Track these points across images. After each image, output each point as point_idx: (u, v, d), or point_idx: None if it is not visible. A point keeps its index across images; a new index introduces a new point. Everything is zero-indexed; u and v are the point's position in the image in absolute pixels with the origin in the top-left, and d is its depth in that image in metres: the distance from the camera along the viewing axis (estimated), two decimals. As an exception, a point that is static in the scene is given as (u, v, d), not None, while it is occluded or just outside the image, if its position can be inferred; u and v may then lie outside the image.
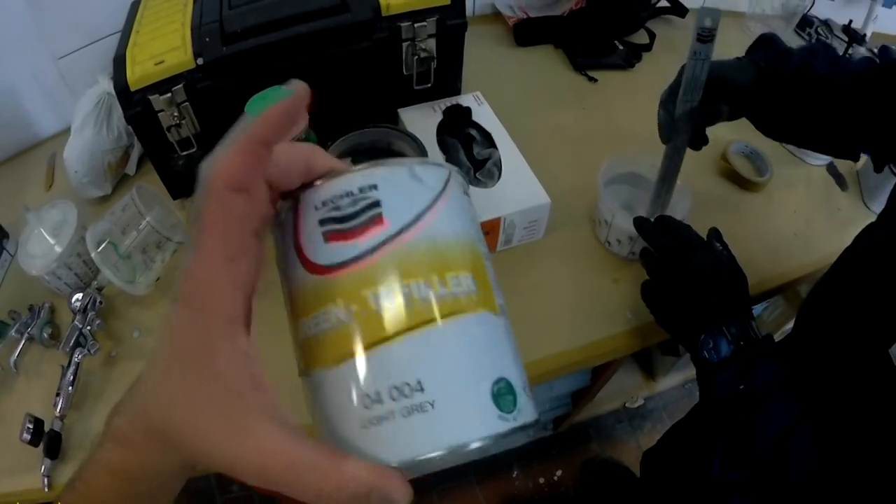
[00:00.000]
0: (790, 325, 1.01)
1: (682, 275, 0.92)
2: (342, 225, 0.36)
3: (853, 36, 1.65)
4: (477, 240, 0.40)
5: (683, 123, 0.94)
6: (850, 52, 1.61)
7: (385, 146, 0.99)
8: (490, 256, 0.41)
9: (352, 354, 0.35)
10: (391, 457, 0.33)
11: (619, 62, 1.54)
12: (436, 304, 0.35)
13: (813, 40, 1.71)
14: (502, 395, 0.36)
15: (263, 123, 0.34)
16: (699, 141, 1.00)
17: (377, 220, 0.36)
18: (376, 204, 0.36)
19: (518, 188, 1.06)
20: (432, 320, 0.35)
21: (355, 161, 0.93)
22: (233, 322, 0.34)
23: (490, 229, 1.03)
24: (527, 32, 1.59)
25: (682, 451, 1.15)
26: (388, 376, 0.34)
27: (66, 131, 1.18)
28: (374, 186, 0.37)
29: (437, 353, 0.35)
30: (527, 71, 1.53)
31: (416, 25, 1.06)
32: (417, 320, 0.35)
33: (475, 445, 0.34)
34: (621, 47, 1.57)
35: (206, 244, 0.34)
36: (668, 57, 1.58)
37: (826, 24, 1.79)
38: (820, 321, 0.87)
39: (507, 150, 1.12)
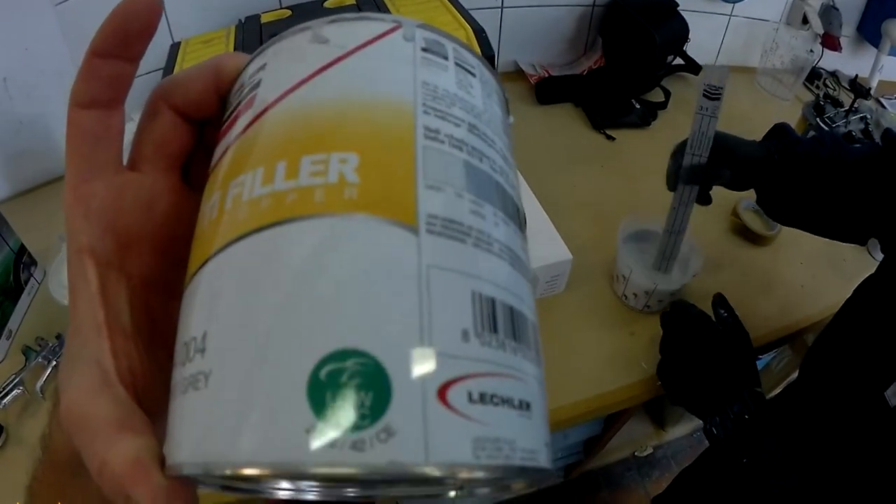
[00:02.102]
0: (796, 373, 1.07)
1: (686, 358, 0.99)
2: (223, 127, 0.30)
3: (858, 90, 1.72)
4: (417, 113, 0.26)
5: (687, 175, 0.99)
6: (856, 105, 1.67)
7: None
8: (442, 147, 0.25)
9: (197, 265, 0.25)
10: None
11: (635, 120, 1.61)
12: (262, 205, 0.24)
13: (822, 93, 1.77)
14: (338, 385, 0.20)
15: (99, 34, 0.30)
16: (703, 198, 1.05)
17: (246, 107, 0.28)
18: (255, 86, 0.28)
19: (541, 243, 1.11)
20: (245, 234, 0.23)
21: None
22: (79, 252, 0.30)
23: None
24: (548, 90, 1.65)
25: (689, 496, 1.20)
26: (184, 325, 0.25)
27: None
28: (263, 66, 0.29)
29: (237, 288, 0.23)
30: (548, 128, 1.59)
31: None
32: (231, 234, 0.24)
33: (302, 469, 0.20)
34: (638, 106, 1.64)
35: (66, 170, 0.31)
36: (682, 114, 1.65)
37: (834, 75, 1.88)
38: (821, 371, 0.91)
39: (531, 205, 1.17)
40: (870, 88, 1.79)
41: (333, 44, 0.27)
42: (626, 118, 1.61)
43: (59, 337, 1.06)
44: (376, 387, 0.20)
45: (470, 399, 0.21)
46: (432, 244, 0.22)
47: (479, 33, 1.16)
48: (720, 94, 0.88)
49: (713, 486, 0.92)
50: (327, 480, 0.21)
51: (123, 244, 0.31)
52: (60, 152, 1.06)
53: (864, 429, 0.75)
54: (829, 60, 1.86)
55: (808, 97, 1.78)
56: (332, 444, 0.19)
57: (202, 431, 0.21)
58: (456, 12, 1.21)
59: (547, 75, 1.69)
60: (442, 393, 0.20)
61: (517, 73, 1.75)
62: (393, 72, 0.26)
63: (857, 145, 1.28)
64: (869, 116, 1.67)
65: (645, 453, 2.28)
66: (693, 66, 1.79)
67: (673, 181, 1.03)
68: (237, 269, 0.23)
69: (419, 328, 0.21)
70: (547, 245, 1.12)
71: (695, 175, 0.99)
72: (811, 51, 1.77)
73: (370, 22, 0.28)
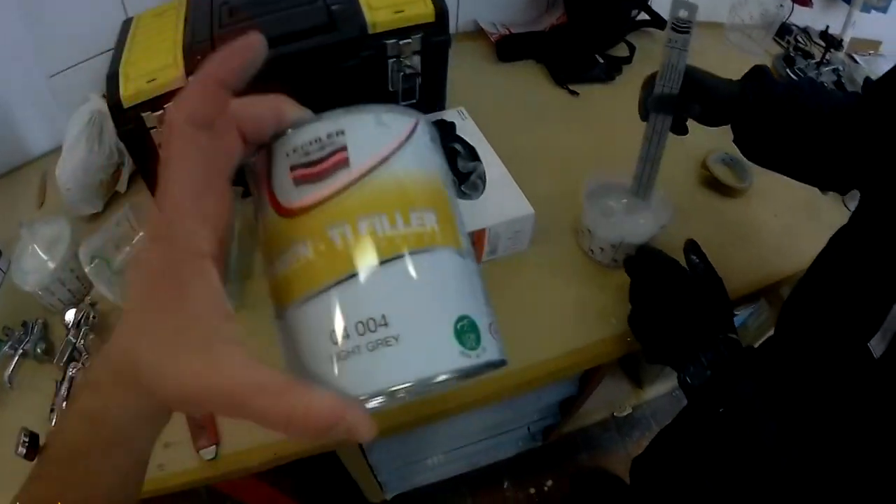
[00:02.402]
0: (773, 330, 1.05)
1: (656, 305, 0.98)
2: (310, 169, 0.39)
3: (830, 41, 1.71)
4: (443, 183, 0.43)
5: (655, 104, 1.00)
6: (827, 57, 1.67)
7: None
8: (457, 201, 0.44)
9: (318, 290, 0.37)
10: (359, 390, 0.36)
11: (599, 75, 1.59)
12: (397, 240, 0.38)
13: (791, 48, 1.77)
14: (465, 332, 0.38)
15: (219, 62, 0.36)
16: (678, 128, 1.06)
17: (342, 162, 0.39)
18: (343, 148, 0.39)
19: (502, 199, 1.10)
20: (394, 256, 0.37)
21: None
22: (202, 257, 0.36)
23: (475, 240, 1.07)
24: (509, 48, 1.64)
25: (670, 456, 1.18)
26: (353, 311, 0.36)
27: (57, 149, 1.21)
28: (342, 132, 0.40)
29: (399, 288, 0.37)
30: (509, 86, 1.58)
31: (401, 43, 1.11)
32: (379, 256, 0.37)
33: (438, 379, 0.37)
34: (602, 61, 1.62)
35: (173, 180, 0.36)
36: (647, 68, 1.58)
37: (805, 31, 1.86)
38: (799, 323, 0.90)
39: (491, 162, 1.16)
40: (841, 40, 1.77)
41: (393, 129, 0.41)
42: (590, 73, 1.60)
43: (24, 325, 1.05)
44: (475, 331, 0.39)
45: (492, 333, 0.40)
46: (469, 261, 0.42)
47: (432, -12, 1.15)
48: (689, 27, 0.89)
49: (693, 443, 0.91)
50: (459, 375, 0.37)
51: (222, 244, 0.39)
52: (19, 141, 1.04)
53: (847, 380, 0.74)
54: (801, 17, 1.85)
55: (779, 52, 1.78)
56: (467, 356, 0.37)
57: (405, 365, 0.36)
58: None
59: (508, 33, 1.68)
60: (490, 330, 0.40)
61: (477, 33, 1.73)
62: (429, 155, 0.43)
63: (839, 92, 1.25)
64: (841, 69, 1.67)
65: (624, 413, 2.29)
66: (659, 21, 1.77)
67: (644, 110, 1.04)
68: (400, 276, 0.38)
69: (481, 300, 0.41)
70: (508, 201, 1.11)
71: (664, 104, 1.00)
72: (781, 5, 1.76)
73: (405, 116, 0.42)
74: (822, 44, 1.74)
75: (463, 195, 1.12)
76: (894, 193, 0.76)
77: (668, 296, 0.97)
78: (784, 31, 1.85)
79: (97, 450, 0.38)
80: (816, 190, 1.39)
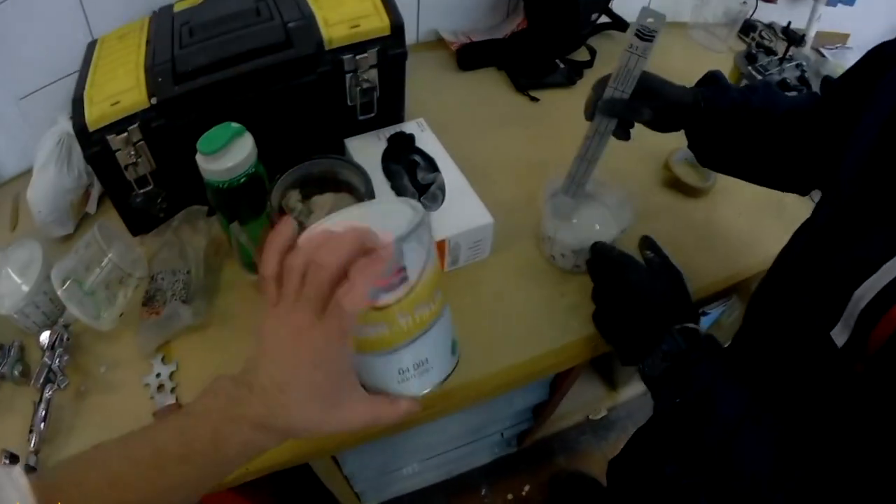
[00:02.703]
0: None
1: (613, 301, 1.00)
2: (386, 280, 0.62)
3: (792, 37, 1.71)
4: (435, 259, 0.69)
5: (605, 107, 1.00)
6: (790, 53, 1.68)
7: (332, 176, 1.05)
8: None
9: (390, 350, 0.66)
10: (416, 392, 0.70)
11: (560, 80, 1.61)
12: (430, 315, 0.67)
13: (754, 45, 1.77)
14: (454, 346, 0.75)
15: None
16: (622, 133, 1.06)
17: (404, 278, 0.62)
18: (403, 268, 0.62)
19: (461, 210, 1.12)
20: (431, 325, 0.67)
21: (304, 188, 1.01)
22: (347, 335, 0.58)
23: (437, 251, 1.08)
24: (469, 56, 1.65)
25: (645, 456, 1.19)
26: (411, 358, 0.68)
27: (28, 171, 1.22)
28: (404, 254, 0.62)
29: (433, 342, 0.68)
30: (470, 94, 1.59)
31: (357, 57, 1.12)
32: (424, 329, 0.67)
33: (447, 376, 0.72)
34: (562, 66, 1.63)
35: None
36: (608, 71, 1.64)
37: (770, 27, 1.87)
38: (764, 317, 0.91)
39: (450, 173, 1.18)
40: (803, 35, 1.77)
41: (424, 243, 0.65)
42: (551, 78, 1.61)
43: (1, 347, 1.07)
44: (455, 343, 0.75)
45: (457, 338, 0.77)
46: (446, 304, 0.73)
47: (389, 2, 1.17)
48: (653, 36, 0.89)
49: (666, 442, 0.92)
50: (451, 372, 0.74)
51: None
52: None
53: (812, 370, 0.75)
54: (766, 12, 1.87)
55: (743, 49, 1.78)
56: (454, 359, 0.75)
57: (433, 378, 0.71)
58: None
59: (469, 42, 1.69)
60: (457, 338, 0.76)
61: (438, 42, 1.74)
62: (434, 248, 0.70)
63: (794, 93, 1.27)
64: (805, 64, 1.68)
65: (599, 416, 2.32)
66: (620, 24, 1.80)
67: (591, 111, 1.04)
68: (433, 335, 0.68)
69: (453, 325, 0.75)
70: (468, 211, 1.12)
71: (613, 108, 1.00)
72: (744, 2, 1.78)
73: (427, 233, 0.66)
74: (785, 39, 1.74)
75: (423, 207, 1.14)
76: (851, 188, 0.77)
77: (623, 291, 0.98)
78: (748, 27, 1.86)
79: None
80: None
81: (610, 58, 1.68)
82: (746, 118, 1.03)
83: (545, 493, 2.21)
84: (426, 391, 0.70)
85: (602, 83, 1.03)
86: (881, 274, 0.64)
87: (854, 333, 0.66)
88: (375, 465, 1.67)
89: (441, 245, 1.09)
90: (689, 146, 1.12)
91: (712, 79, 1.11)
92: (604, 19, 1.78)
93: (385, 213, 0.72)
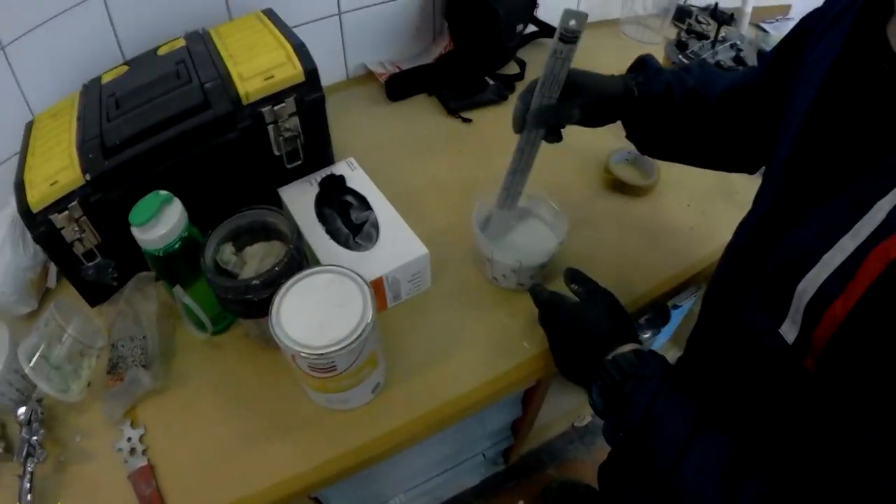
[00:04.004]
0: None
1: (552, 344, 1.03)
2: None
3: (720, 18, 1.74)
4: (367, 354, 0.96)
5: (534, 118, 0.99)
6: (722, 34, 1.71)
7: (261, 226, 1.10)
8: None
9: (325, 392, 1.00)
10: (336, 408, 1.06)
11: (491, 97, 1.67)
12: (351, 384, 0.98)
13: (685, 32, 1.81)
14: (376, 388, 1.06)
15: None
16: (553, 135, 1.04)
17: (333, 369, 0.91)
18: (334, 367, 0.91)
19: (395, 245, 1.16)
20: (351, 387, 0.99)
21: (237, 241, 1.07)
22: None
23: (375, 289, 1.12)
24: (397, 86, 1.70)
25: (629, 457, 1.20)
26: (336, 397, 1.02)
27: None
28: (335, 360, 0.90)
29: (353, 392, 1.01)
30: (401, 124, 1.63)
31: (276, 108, 1.17)
32: (346, 389, 0.99)
33: (360, 405, 1.06)
34: (492, 82, 1.69)
35: None
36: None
37: (706, 10, 1.88)
38: (717, 313, 0.92)
39: (382, 209, 1.22)
40: (731, 14, 1.77)
41: (356, 352, 0.92)
42: (481, 97, 1.66)
43: None
44: (376, 387, 1.08)
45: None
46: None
47: (299, 48, 1.21)
48: (577, 37, 0.88)
49: (624, 468, 0.94)
50: None
51: None
52: None
53: (766, 367, 0.76)
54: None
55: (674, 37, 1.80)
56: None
57: (352, 405, 1.07)
58: (277, 32, 1.27)
59: (398, 71, 1.73)
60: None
61: (368, 76, 1.78)
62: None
63: (731, 73, 1.26)
64: (740, 43, 1.71)
65: (584, 423, 2.36)
66: (548, 31, 1.86)
67: (520, 123, 1.03)
68: (358, 389, 1.03)
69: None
70: (402, 245, 1.17)
71: (543, 116, 0.99)
72: None
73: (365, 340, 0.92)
74: (714, 21, 1.76)
75: (358, 247, 1.19)
76: (787, 172, 0.77)
77: (556, 333, 1.02)
78: (683, 14, 1.89)
79: None
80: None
81: (540, 66, 1.72)
82: (683, 101, 1.03)
83: (540, 504, 2.24)
84: (343, 408, 1.06)
85: (528, 92, 1.01)
86: (821, 266, 0.64)
87: (802, 329, 0.67)
88: (360, 499, 1.70)
89: (378, 283, 1.13)
90: (627, 136, 1.12)
91: (642, 63, 1.11)
92: (531, 29, 1.83)
93: (338, 304, 0.94)
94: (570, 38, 0.87)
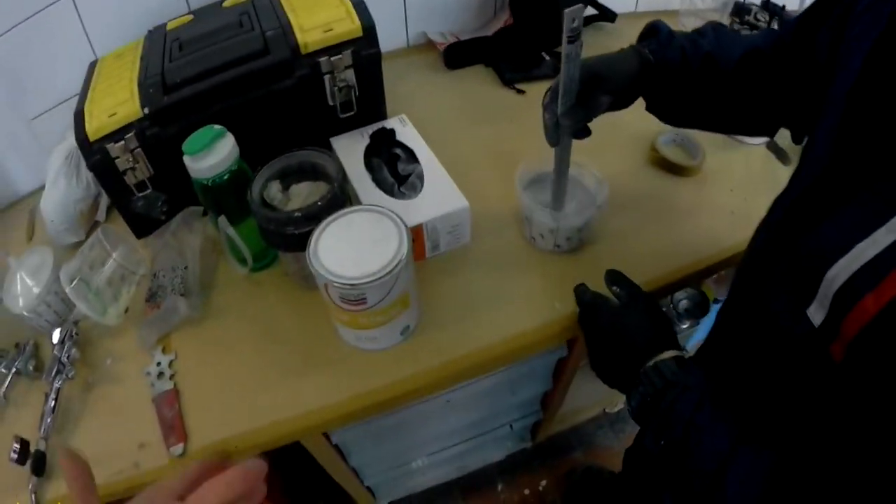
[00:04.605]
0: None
1: (591, 347, 1.02)
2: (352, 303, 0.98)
3: (773, 10, 1.76)
4: (399, 292, 1.00)
5: (567, 121, 0.99)
6: (772, 26, 1.71)
7: (310, 167, 1.16)
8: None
9: (356, 328, 1.06)
10: (366, 349, 1.12)
11: (547, 72, 1.71)
12: (383, 321, 1.04)
13: (737, 26, 1.81)
14: (405, 330, 1.11)
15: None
16: (583, 132, 1.04)
17: (364, 302, 0.97)
18: (364, 299, 0.96)
19: (438, 196, 1.21)
20: (382, 325, 1.05)
21: (284, 180, 1.14)
22: None
23: (415, 236, 1.17)
24: (456, 55, 1.76)
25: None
26: (365, 334, 1.07)
27: (42, 187, 1.36)
28: (365, 293, 0.95)
29: (383, 330, 1.07)
30: (457, 92, 1.70)
31: (332, 59, 1.24)
32: (377, 326, 1.05)
33: (391, 346, 1.11)
34: (548, 58, 1.74)
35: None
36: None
37: (765, 6, 1.85)
38: (746, 292, 0.91)
39: (429, 163, 1.28)
40: (783, 6, 1.77)
41: (387, 287, 0.98)
42: (537, 71, 1.71)
43: (17, 346, 1.20)
44: (405, 330, 1.13)
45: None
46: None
47: (359, 5, 1.29)
48: (579, 34, 0.89)
49: (660, 473, 0.91)
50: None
51: None
52: (7, 183, 1.20)
53: (792, 353, 0.75)
54: None
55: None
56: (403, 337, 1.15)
57: (381, 346, 1.13)
58: None
59: (456, 41, 1.79)
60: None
61: (427, 45, 1.85)
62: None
63: (749, 34, 1.19)
64: None
65: (616, 409, 2.38)
66: (607, 15, 1.89)
67: (554, 135, 1.04)
68: (389, 327, 1.09)
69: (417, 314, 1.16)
70: (444, 197, 1.22)
71: (575, 120, 0.99)
72: None
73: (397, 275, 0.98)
74: (766, 12, 1.77)
75: (402, 196, 1.25)
76: (824, 159, 0.75)
77: (596, 336, 1.02)
78: (742, 10, 1.86)
79: None
80: (773, 158, 1.45)
81: (596, 48, 1.73)
82: (700, 66, 1.02)
83: (562, 487, 2.27)
84: (371, 348, 1.11)
85: (553, 101, 1.01)
86: (853, 256, 0.63)
87: (830, 314, 0.65)
88: (383, 458, 1.74)
89: (418, 231, 1.18)
90: (647, 107, 1.11)
91: (653, 30, 1.10)
92: (591, 12, 1.87)
93: (375, 241, 0.98)
94: (575, 37, 0.89)
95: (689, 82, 1.03)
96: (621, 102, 1.07)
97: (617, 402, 2.33)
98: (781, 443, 0.74)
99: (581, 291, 1.09)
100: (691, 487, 0.78)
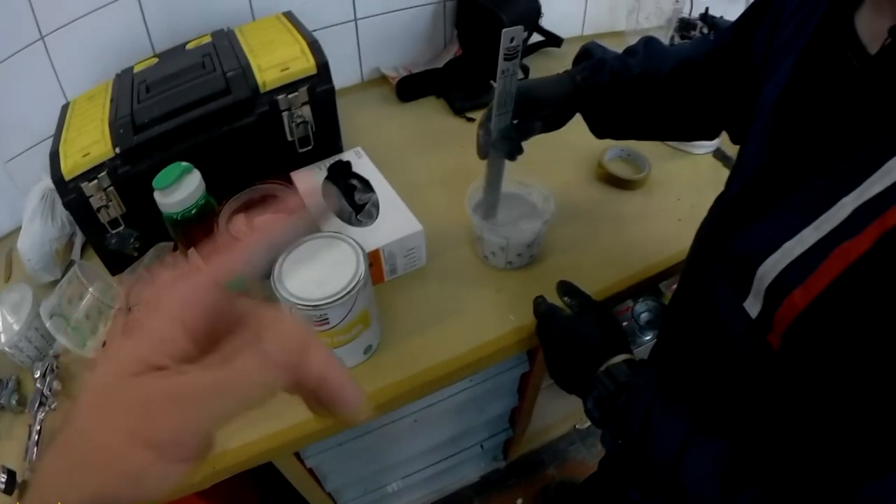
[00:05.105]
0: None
1: (547, 355, 1.07)
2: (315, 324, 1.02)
3: (711, 22, 1.84)
4: (359, 310, 1.05)
5: (500, 141, 1.07)
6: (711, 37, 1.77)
7: (273, 199, 1.25)
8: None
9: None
10: None
11: (494, 99, 1.79)
12: (346, 340, 1.08)
13: (679, 38, 1.89)
14: (368, 349, 1.16)
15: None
16: (515, 152, 1.12)
17: (326, 322, 1.02)
18: (326, 320, 1.01)
19: (393, 222, 1.29)
20: (345, 344, 1.09)
21: (249, 212, 1.21)
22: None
23: (373, 261, 1.24)
24: (408, 87, 1.85)
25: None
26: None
27: (19, 228, 1.42)
28: (327, 313, 1.01)
29: (347, 349, 1.11)
30: (410, 122, 1.79)
31: (289, 96, 1.33)
32: (340, 345, 1.08)
33: (352, 366, 1.16)
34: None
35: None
36: None
37: (703, 19, 1.91)
38: (689, 288, 0.96)
39: (384, 191, 1.36)
40: (721, 17, 1.84)
41: (348, 306, 1.04)
42: (486, 98, 1.79)
43: (0, 382, 1.24)
44: (367, 349, 1.18)
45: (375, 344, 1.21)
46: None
47: (313, 44, 1.38)
48: (518, 52, 0.96)
49: (625, 471, 0.94)
50: None
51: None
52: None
53: (733, 346, 0.78)
54: (720, 6, 1.90)
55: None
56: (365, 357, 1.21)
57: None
58: (295, 31, 1.46)
59: (409, 74, 1.88)
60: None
61: (381, 79, 1.95)
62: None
63: (681, 46, 1.19)
64: None
65: (587, 425, 2.41)
66: (553, 40, 1.99)
67: (484, 150, 1.12)
68: (350, 346, 1.12)
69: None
70: (399, 222, 1.29)
71: (507, 137, 1.08)
72: (677, 1, 1.89)
73: (356, 295, 1.04)
74: (705, 26, 1.84)
75: (360, 223, 1.33)
76: (756, 160, 0.79)
77: (550, 345, 1.07)
78: (688, 26, 1.92)
79: None
80: (720, 165, 1.53)
81: (545, 72, 1.81)
82: (631, 86, 1.07)
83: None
84: None
85: (488, 119, 1.08)
86: (781, 253, 0.66)
87: (764, 308, 0.70)
88: (358, 481, 1.79)
89: (376, 255, 1.25)
90: (587, 124, 1.17)
91: (586, 54, 1.14)
92: (537, 38, 1.98)
93: (334, 265, 1.04)
94: (511, 55, 0.96)
95: (620, 101, 1.09)
96: (555, 123, 1.14)
97: (587, 418, 2.34)
98: (733, 429, 0.78)
99: (538, 303, 1.13)
100: (653, 478, 0.82)
